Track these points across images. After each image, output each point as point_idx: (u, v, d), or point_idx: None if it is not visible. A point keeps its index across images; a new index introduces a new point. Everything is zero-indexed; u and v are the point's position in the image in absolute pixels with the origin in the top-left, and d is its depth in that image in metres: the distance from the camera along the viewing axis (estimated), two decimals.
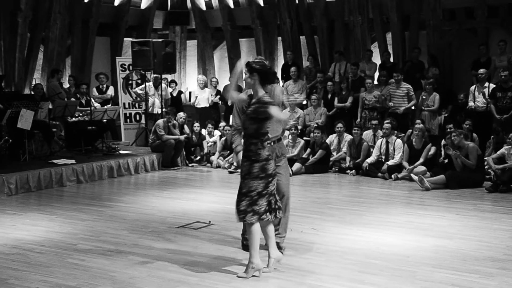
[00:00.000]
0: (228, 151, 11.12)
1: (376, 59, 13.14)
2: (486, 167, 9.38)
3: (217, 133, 12.04)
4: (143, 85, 13.03)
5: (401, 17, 13.20)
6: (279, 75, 13.50)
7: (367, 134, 10.92)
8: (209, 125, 12.20)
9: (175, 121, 11.42)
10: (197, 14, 16.17)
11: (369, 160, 10.27)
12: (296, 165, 10.46)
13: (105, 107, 12.07)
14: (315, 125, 11.29)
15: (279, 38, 14.97)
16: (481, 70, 10.80)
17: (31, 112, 9.57)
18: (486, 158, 9.48)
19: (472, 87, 10.93)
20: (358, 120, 11.66)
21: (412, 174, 9.51)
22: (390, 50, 13.27)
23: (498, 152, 9.28)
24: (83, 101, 11.85)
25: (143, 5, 15.96)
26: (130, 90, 13.56)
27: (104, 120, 11.54)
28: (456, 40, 12.89)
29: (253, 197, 4.88)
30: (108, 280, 4.84)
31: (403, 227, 6.67)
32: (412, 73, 12.18)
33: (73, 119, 11.36)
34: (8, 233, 6.36)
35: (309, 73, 13.43)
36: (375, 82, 12.25)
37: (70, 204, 7.97)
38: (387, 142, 10.25)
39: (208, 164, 11.56)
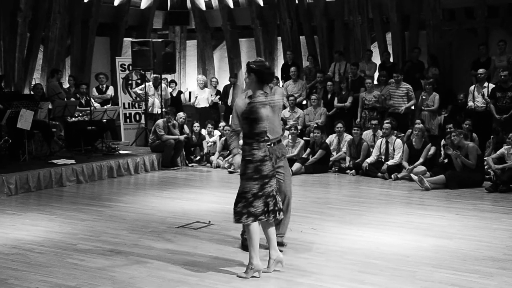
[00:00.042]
0: (228, 151, 11.10)
1: (376, 59, 13.14)
2: (485, 167, 9.38)
3: (216, 133, 12.04)
4: (143, 85, 13.03)
5: (401, 17, 13.19)
6: (279, 75, 13.51)
7: (367, 134, 10.92)
8: (209, 125, 12.20)
9: (175, 121, 11.42)
10: (197, 14, 16.16)
11: (369, 160, 10.28)
12: (296, 165, 10.46)
13: (105, 107, 12.07)
14: (315, 125, 11.30)
15: (279, 38, 14.97)
16: (481, 70, 10.80)
17: (31, 112, 9.57)
18: (485, 158, 9.48)
19: (472, 87, 10.93)
20: (358, 120, 11.66)
21: (412, 174, 9.51)
22: (390, 50, 13.27)
23: (498, 152, 9.28)
24: (83, 101, 11.85)
25: (143, 5, 15.95)
26: (130, 90, 13.56)
27: (104, 120, 11.54)
28: (456, 40, 12.89)
29: (248, 199, 4.85)
30: (108, 280, 4.84)
31: (403, 227, 6.67)
32: (412, 73, 12.18)
33: (73, 119, 11.36)
34: (8, 233, 6.36)
35: (309, 73, 13.43)
36: (375, 82, 12.25)
37: (70, 204, 7.97)
38: (387, 142, 10.25)
39: (208, 164, 11.56)
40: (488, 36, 12.49)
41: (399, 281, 4.86)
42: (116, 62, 13.79)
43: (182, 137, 11.29)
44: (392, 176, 9.87)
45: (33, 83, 13.22)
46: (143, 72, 13.27)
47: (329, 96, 12.29)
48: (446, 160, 9.58)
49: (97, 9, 14.45)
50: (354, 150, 10.60)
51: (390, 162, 10.07)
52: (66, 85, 13.14)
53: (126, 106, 13.52)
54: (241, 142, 5.08)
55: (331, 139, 11.11)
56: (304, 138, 11.46)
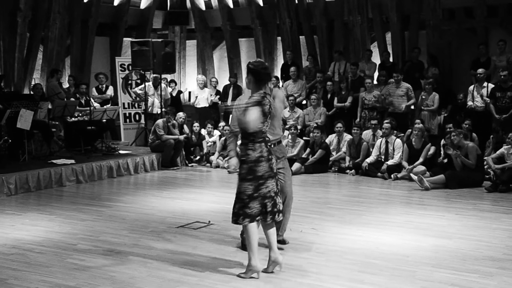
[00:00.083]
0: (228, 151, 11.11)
1: (376, 59, 13.14)
2: (485, 166, 9.38)
3: (216, 133, 12.04)
4: (143, 85, 13.03)
5: (401, 17, 13.19)
6: (278, 75, 13.51)
7: (367, 134, 10.92)
8: (209, 125, 12.20)
9: (174, 121, 11.42)
10: (197, 14, 16.16)
11: (368, 160, 10.28)
12: (296, 165, 10.46)
13: (105, 107, 12.06)
14: (315, 125, 11.29)
15: (279, 38, 14.97)
16: (480, 70, 10.80)
17: (31, 112, 9.56)
18: (485, 157, 9.48)
19: (471, 87, 10.93)
20: (358, 120, 11.66)
21: (411, 174, 9.51)
22: (390, 50, 13.27)
23: (498, 152, 9.28)
24: (83, 101, 11.85)
25: (143, 5, 15.95)
26: (130, 90, 13.56)
27: (104, 120, 11.54)
28: (456, 40, 12.89)
29: (244, 200, 4.83)
30: (108, 280, 4.84)
31: (402, 227, 6.67)
32: (412, 73, 12.18)
33: (73, 119, 11.36)
34: (8, 233, 6.35)
35: (309, 73, 13.43)
36: (375, 82, 12.25)
37: (70, 204, 7.97)
38: (387, 142, 10.25)
39: (208, 164, 11.56)
40: (487, 35, 12.49)
41: (399, 281, 4.86)
42: (116, 62, 13.79)
43: (181, 137, 11.29)
44: (392, 176, 9.87)
45: (32, 83, 13.22)
46: (143, 72, 13.27)
47: (328, 96, 12.29)
48: (445, 160, 9.59)
49: (97, 9, 14.45)
50: (353, 150, 10.60)
51: (390, 162, 10.07)
52: (65, 85, 13.14)
53: (126, 106, 13.52)
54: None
55: (331, 139, 11.11)
56: (304, 138, 11.46)
